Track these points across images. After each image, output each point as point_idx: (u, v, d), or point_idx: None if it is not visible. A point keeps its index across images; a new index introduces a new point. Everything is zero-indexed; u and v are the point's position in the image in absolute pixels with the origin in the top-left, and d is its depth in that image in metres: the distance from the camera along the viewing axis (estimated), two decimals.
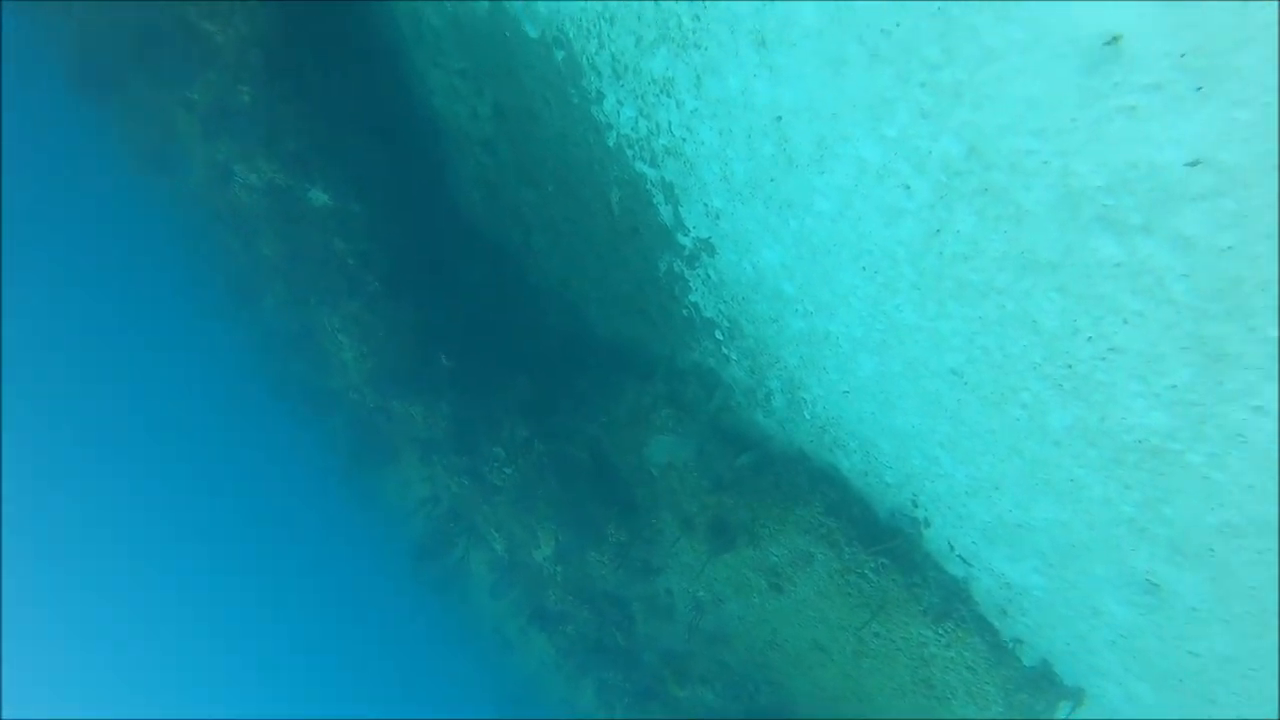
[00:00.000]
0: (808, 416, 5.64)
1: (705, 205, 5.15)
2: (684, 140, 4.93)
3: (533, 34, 5.41)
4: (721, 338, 5.89)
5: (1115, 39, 2.98)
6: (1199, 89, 2.86)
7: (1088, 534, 4.49)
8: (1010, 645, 5.57)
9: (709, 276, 5.58)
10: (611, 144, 5.55)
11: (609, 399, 7.03)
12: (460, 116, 6.80)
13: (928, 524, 5.49)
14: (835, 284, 4.68)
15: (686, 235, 5.51)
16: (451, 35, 6.18)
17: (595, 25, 4.91)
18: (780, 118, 4.28)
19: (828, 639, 6.57)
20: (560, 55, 5.33)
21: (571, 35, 5.12)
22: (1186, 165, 3.03)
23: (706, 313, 5.85)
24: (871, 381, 4.96)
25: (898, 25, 3.54)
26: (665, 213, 5.54)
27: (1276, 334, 3.14)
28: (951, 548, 5.44)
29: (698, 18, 4.31)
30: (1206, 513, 3.84)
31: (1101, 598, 4.72)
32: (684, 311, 6.07)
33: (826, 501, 5.89)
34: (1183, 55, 2.84)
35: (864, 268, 4.44)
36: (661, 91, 4.85)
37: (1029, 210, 3.58)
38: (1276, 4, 2.58)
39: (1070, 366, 3.89)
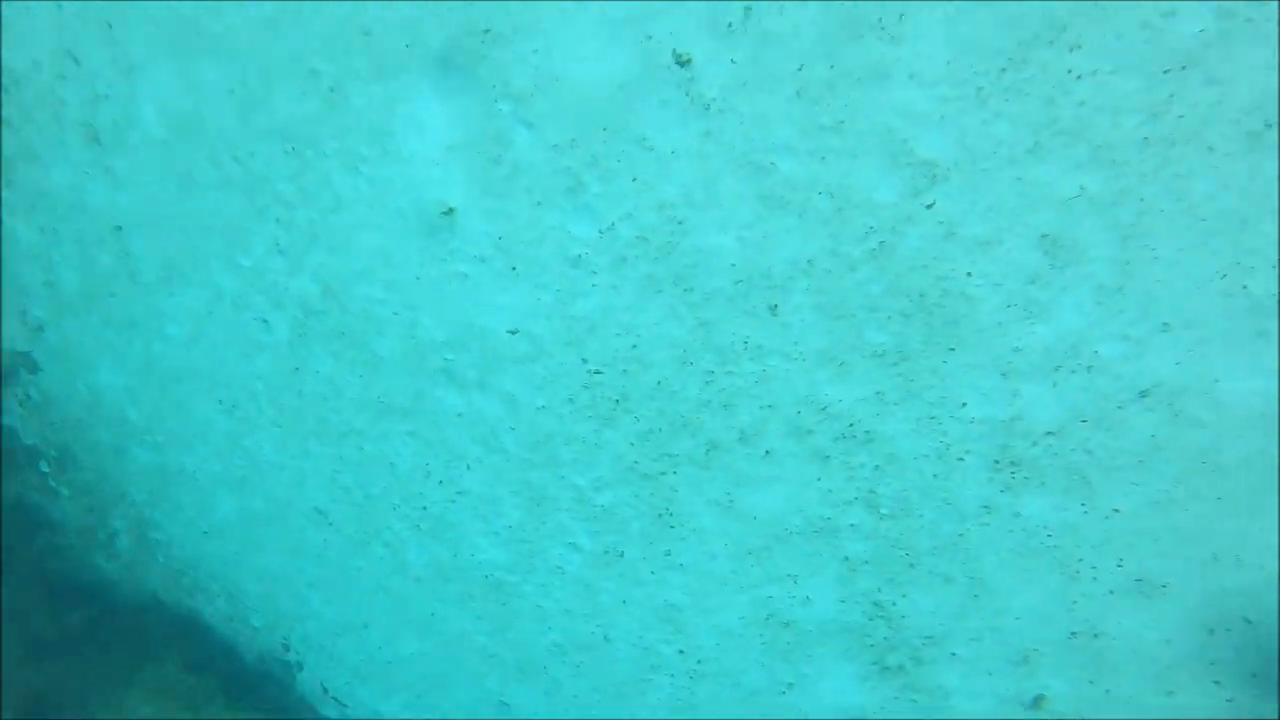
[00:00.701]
0: (162, 559, 4.84)
1: (23, 314, 4.17)
2: None
3: None
4: (49, 469, 4.77)
5: (450, 210, 3.17)
6: (513, 269, 3.17)
7: (449, 664, 4.57)
8: None
9: (30, 396, 4.51)
10: None
11: None
12: None
13: (300, 667, 5.07)
14: (190, 415, 4.13)
15: None
16: None
17: None
18: (121, 228, 3.68)
19: None
20: None
21: None
22: (508, 332, 3.32)
23: (27, 439, 4.70)
24: (234, 520, 4.45)
25: (252, 155, 3.31)
26: None
27: (580, 481, 3.59)
28: (325, 690, 5.09)
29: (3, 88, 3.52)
30: (540, 635, 4.18)
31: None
32: None
33: (184, 655, 5.07)
34: (500, 238, 3.13)
35: (221, 400, 4.00)
36: None
37: (383, 357, 3.59)
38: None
39: (425, 508, 3.96)
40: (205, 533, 4.56)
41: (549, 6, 2.72)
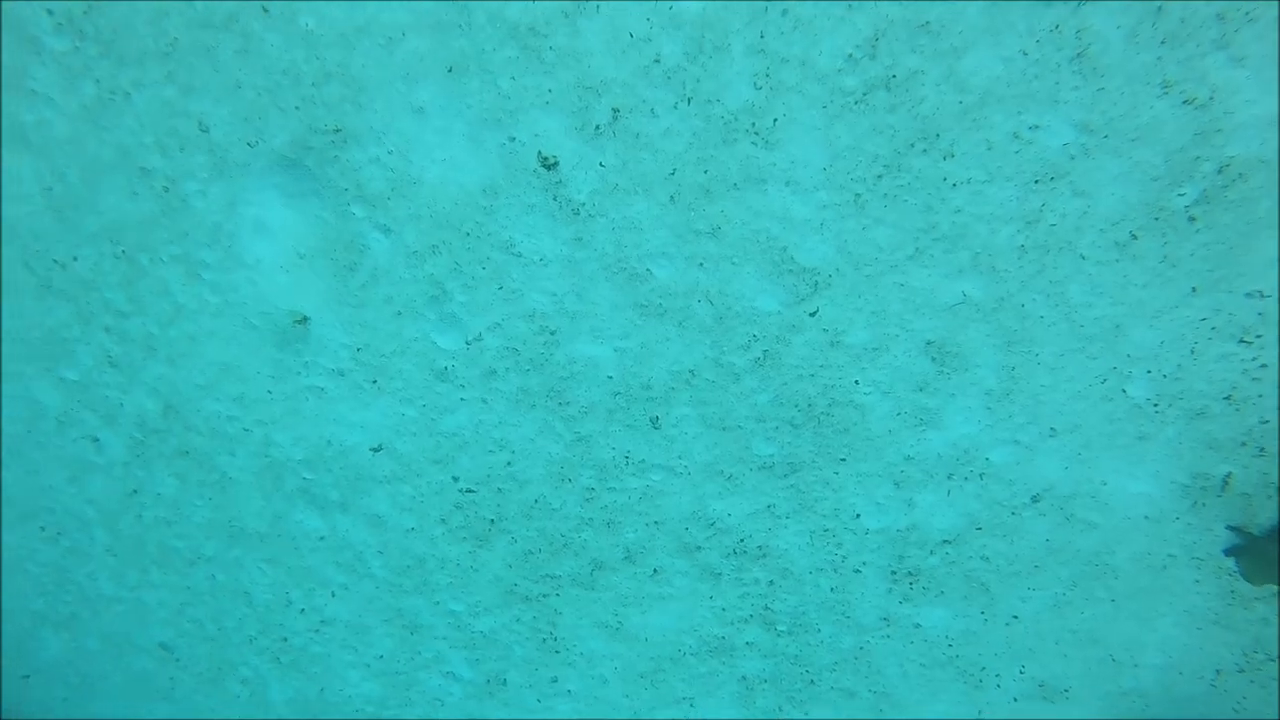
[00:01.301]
0: None
1: None
2: None
3: None
4: None
5: (304, 319, 2.83)
6: (374, 382, 2.85)
7: None
8: None
9: None
10: None
11: None
12: None
13: None
14: (5, 547, 3.56)
15: None
16: None
17: None
18: None
19: None
20: None
21: None
22: (372, 450, 2.97)
23: None
24: (61, 662, 3.84)
25: (75, 259, 2.91)
26: None
27: (456, 606, 3.21)
28: None
29: None
30: None
31: None
32: None
33: None
34: (359, 350, 2.81)
35: (44, 528, 3.46)
36: None
37: (233, 478, 3.17)
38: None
39: (286, 639, 3.49)
40: (26, 678, 3.92)
41: (403, 106, 2.47)
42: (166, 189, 2.74)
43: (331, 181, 2.60)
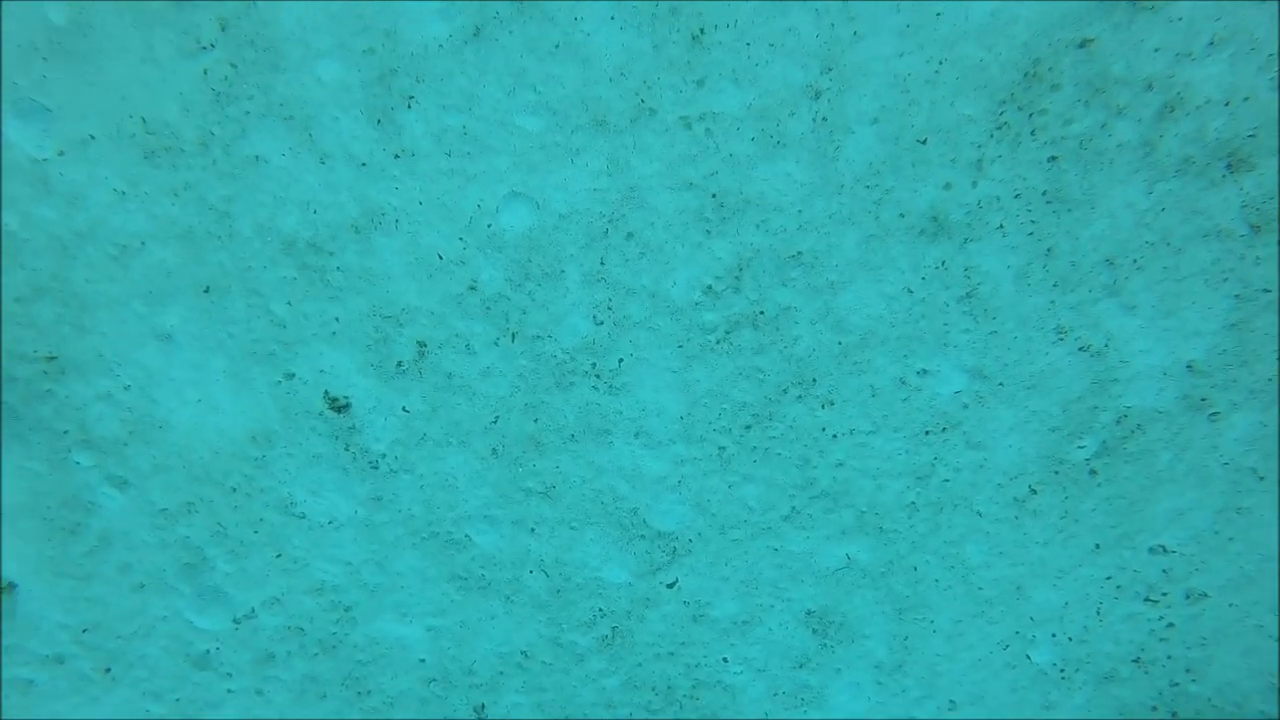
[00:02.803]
0: None
1: None
2: None
3: None
4: None
5: (9, 589, 2.06)
6: (107, 671, 2.10)
7: None
8: None
9: None
10: None
11: None
12: None
13: None
14: None
15: None
16: None
17: None
18: None
19: None
20: None
21: None
22: None
23: None
24: None
25: None
26: None
27: None
28: None
29: None
30: None
31: None
32: None
33: None
34: (84, 631, 2.06)
35: None
36: None
37: None
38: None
39: None
40: None
41: (142, 332, 1.85)
42: None
43: (44, 422, 1.91)
